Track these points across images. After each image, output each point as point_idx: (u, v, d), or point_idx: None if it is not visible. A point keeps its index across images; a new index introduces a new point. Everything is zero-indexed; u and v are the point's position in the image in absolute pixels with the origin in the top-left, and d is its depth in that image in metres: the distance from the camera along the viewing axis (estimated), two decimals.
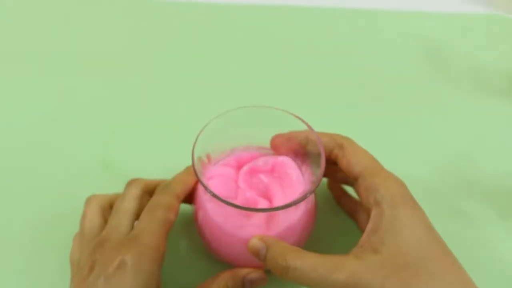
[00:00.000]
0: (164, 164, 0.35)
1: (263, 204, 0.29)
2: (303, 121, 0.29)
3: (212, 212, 0.29)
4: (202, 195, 0.30)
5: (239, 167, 0.31)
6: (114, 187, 0.33)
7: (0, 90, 0.48)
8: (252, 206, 0.28)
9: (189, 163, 0.27)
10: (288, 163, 0.31)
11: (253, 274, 0.28)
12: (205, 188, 0.25)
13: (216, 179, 0.30)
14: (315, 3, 0.62)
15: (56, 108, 0.46)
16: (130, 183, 0.31)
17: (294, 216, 0.28)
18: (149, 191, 0.31)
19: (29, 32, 0.56)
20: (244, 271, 0.28)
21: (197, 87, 0.49)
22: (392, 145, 0.43)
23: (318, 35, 0.57)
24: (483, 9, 0.63)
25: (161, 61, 0.52)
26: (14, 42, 0.54)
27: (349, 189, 0.36)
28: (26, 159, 0.41)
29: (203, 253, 0.34)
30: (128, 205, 0.29)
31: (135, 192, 0.30)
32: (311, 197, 0.30)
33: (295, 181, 0.30)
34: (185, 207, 0.34)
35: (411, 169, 0.40)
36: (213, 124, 0.29)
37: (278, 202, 0.29)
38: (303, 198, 0.26)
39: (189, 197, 0.32)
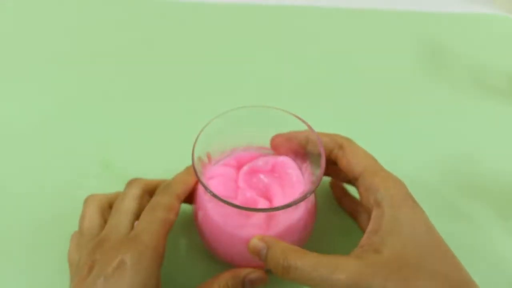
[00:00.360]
0: (164, 164, 0.35)
1: (263, 204, 0.29)
2: (303, 121, 0.29)
3: (212, 212, 0.29)
4: (202, 195, 0.30)
5: (239, 167, 0.31)
6: (114, 187, 0.33)
7: (0, 90, 0.48)
8: (252, 206, 0.28)
9: (189, 163, 0.27)
10: (288, 163, 0.31)
11: (254, 274, 0.28)
12: (205, 188, 0.25)
13: (216, 179, 0.30)
14: (315, 3, 0.62)
15: (56, 108, 0.46)
16: (130, 183, 0.31)
17: (294, 216, 0.28)
18: (149, 191, 0.31)
19: (28, 32, 0.56)
20: (244, 271, 0.28)
21: (197, 87, 0.49)
22: (392, 145, 0.43)
23: (318, 35, 0.57)
24: (483, 9, 0.63)
25: (161, 61, 0.52)
26: (14, 42, 0.54)
27: (352, 190, 0.36)
28: (26, 159, 0.41)
29: (203, 253, 0.34)
30: (128, 204, 0.29)
31: (135, 192, 0.30)
32: (311, 197, 0.30)
33: (295, 181, 0.30)
34: (185, 207, 0.34)
35: (411, 169, 0.40)
36: (213, 124, 0.29)
37: (278, 202, 0.29)
38: (303, 198, 0.26)
39: (190, 197, 0.32)
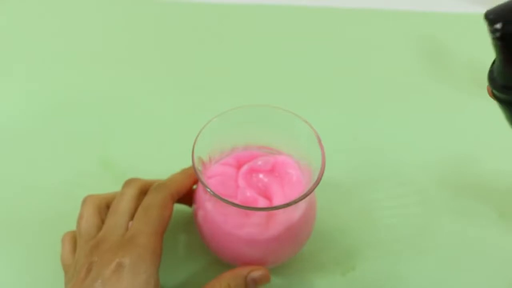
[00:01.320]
0: (164, 164, 0.35)
1: (263, 203, 0.28)
2: (303, 120, 0.29)
3: (212, 211, 0.29)
4: (202, 194, 0.30)
5: (239, 167, 0.31)
6: (114, 187, 0.33)
7: None
8: (252, 205, 0.28)
9: (189, 162, 0.27)
10: (288, 163, 0.31)
11: (256, 272, 0.28)
12: (205, 187, 0.25)
13: (216, 178, 0.30)
14: (315, 3, 0.62)
15: (55, 107, 0.46)
16: (128, 183, 0.31)
17: (294, 216, 0.28)
18: (147, 191, 0.31)
19: (28, 30, 0.56)
20: (246, 270, 0.28)
21: (197, 86, 0.49)
22: (392, 145, 0.43)
23: (318, 35, 0.57)
24: (483, 9, 0.63)
25: (161, 60, 0.52)
26: (13, 40, 0.54)
27: None
28: (25, 159, 0.41)
29: (203, 252, 0.34)
30: (125, 205, 0.29)
31: (132, 192, 0.30)
32: (311, 197, 0.30)
33: (295, 181, 0.30)
34: (185, 206, 0.34)
35: (411, 169, 0.40)
36: (213, 124, 0.29)
37: (278, 202, 0.29)
38: (303, 197, 0.25)
39: (184, 199, 0.32)
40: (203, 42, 0.55)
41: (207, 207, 0.29)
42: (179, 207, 0.34)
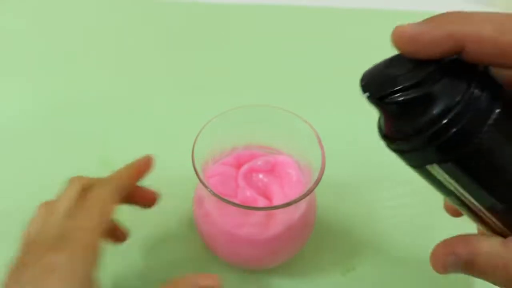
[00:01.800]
0: (164, 163, 0.35)
1: (262, 203, 0.28)
2: (303, 119, 0.29)
3: (211, 211, 0.29)
4: (202, 194, 0.30)
5: (239, 166, 0.31)
6: None
7: None
8: (251, 205, 0.28)
9: (189, 162, 0.27)
10: (288, 163, 0.31)
11: (204, 280, 0.25)
12: (205, 186, 0.25)
13: (216, 178, 0.30)
14: (315, 3, 0.62)
15: (55, 107, 0.46)
16: (70, 181, 0.29)
17: (294, 216, 0.28)
18: (90, 188, 0.28)
19: (28, 30, 0.56)
20: (196, 278, 0.25)
21: (197, 86, 0.49)
22: None
23: (318, 35, 0.57)
24: (483, 9, 0.63)
25: (161, 60, 0.52)
26: (13, 40, 0.54)
27: None
28: (25, 159, 0.41)
29: (203, 252, 0.34)
30: (64, 203, 0.27)
31: (74, 189, 0.28)
32: (311, 197, 0.30)
33: (295, 181, 0.30)
34: (185, 206, 0.34)
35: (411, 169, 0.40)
36: (214, 123, 0.29)
37: (277, 202, 0.29)
38: (302, 197, 0.25)
39: (134, 198, 0.30)
40: (203, 42, 0.55)
41: (207, 207, 0.29)
42: (179, 207, 0.34)
